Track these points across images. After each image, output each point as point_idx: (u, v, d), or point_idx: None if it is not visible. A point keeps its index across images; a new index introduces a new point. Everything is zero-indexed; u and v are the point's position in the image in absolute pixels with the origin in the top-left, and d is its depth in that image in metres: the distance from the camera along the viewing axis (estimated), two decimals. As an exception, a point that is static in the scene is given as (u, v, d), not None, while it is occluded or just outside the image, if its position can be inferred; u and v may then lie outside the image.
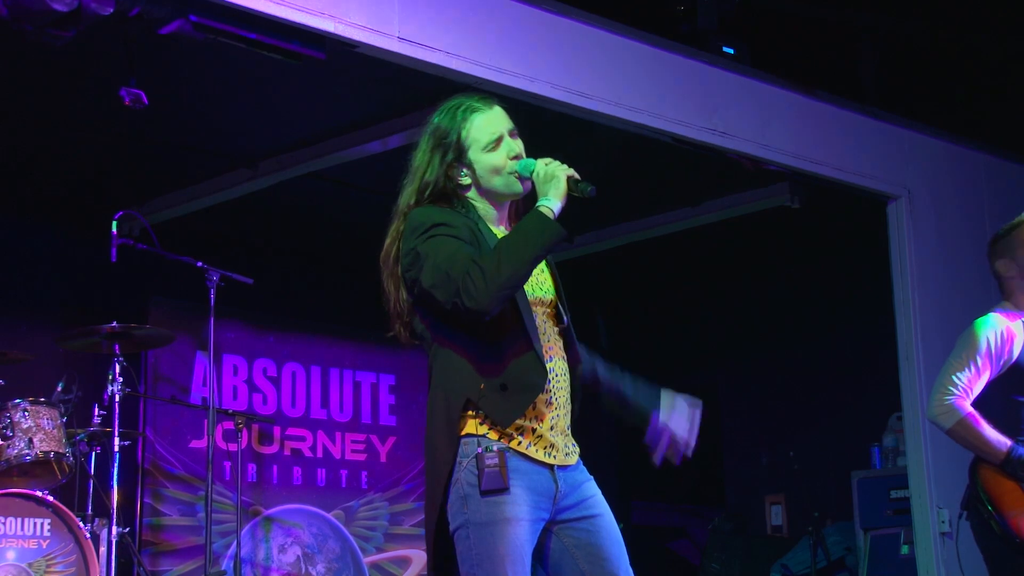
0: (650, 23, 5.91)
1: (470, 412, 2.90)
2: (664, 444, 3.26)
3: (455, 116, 3.10)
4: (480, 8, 5.25)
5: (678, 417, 3.27)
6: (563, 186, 2.98)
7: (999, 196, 7.09)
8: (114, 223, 5.87)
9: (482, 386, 2.90)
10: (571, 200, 3.02)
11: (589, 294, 8.75)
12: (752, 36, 6.36)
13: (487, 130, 3.08)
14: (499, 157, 3.08)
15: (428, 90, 5.23)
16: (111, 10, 4.30)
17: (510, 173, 3.08)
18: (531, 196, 3.05)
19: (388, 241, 3.07)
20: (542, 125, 5.61)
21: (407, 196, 3.09)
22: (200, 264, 6.15)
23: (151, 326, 6.56)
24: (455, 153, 3.07)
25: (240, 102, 6.08)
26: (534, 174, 3.03)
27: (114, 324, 5.80)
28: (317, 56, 4.83)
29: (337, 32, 4.72)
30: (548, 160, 3.04)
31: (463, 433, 2.89)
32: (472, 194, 3.10)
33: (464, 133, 3.07)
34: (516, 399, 2.92)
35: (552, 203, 2.95)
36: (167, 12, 4.49)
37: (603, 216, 7.86)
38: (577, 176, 3.02)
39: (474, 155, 3.07)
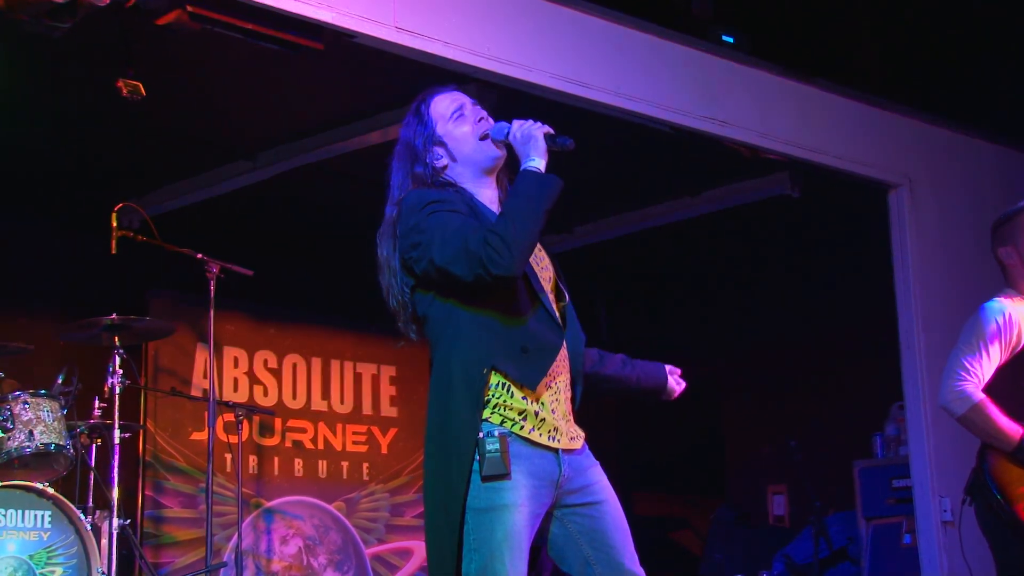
0: (649, 11, 5.89)
1: (493, 377, 2.88)
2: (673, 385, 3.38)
3: (416, 109, 3.14)
4: (478, -3, 5.24)
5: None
6: (542, 144, 2.99)
7: (1001, 184, 7.06)
8: (114, 215, 5.86)
9: (503, 355, 2.89)
10: (564, 178, 3.01)
11: (589, 285, 8.74)
12: (751, 24, 6.34)
13: (446, 104, 3.13)
14: (466, 124, 3.10)
15: (427, 80, 5.25)
16: (108, 0, 4.29)
17: (482, 139, 3.09)
18: (516, 168, 3.04)
19: (385, 241, 3.06)
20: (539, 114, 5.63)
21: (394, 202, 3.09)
22: (200, 256, 6.14)
23: (151, 318, 6.56)
24: (426, 138, 3.09)
25: (238, 93, 6.07)
26: (509, 136, 3.03)
27: (114, 316, 5.80)
28: (315, 46, 4.82)
29: (335, 22, 4.71)
30: (522, 121, 3.04)
31: (484, 404, 2.87)
32: (455, 174, 3.10)
33: (428, 117, 3.10)
34: (538, 359, 2.93)
35: (537, 162, 2.97)
36: (164, 2, 4.48)
37: (602, 207, 7.85)
38: (552, 131, 3.02)
39: (442, 130, 3.10)
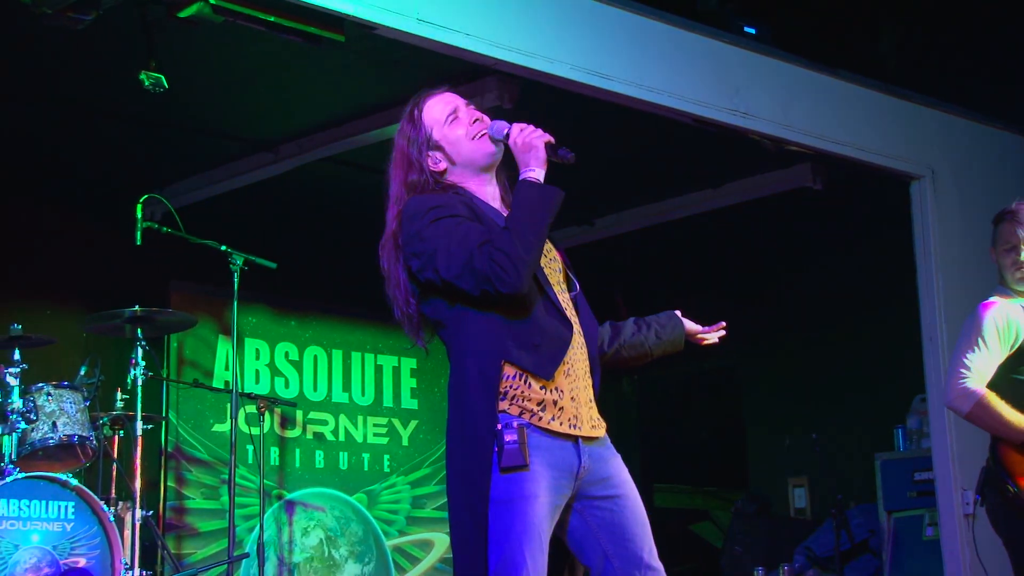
0: (671, 3, 5.87)
1: (508, 374, 2.88)
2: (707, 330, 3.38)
3: (411, 115, 3.13)
4: (499, -11, 5.23)
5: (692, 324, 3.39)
6: (542, 154, 2.99)
7: (1024, 175, 7.04)
8: (138, 206, 5.87)
9: (515, 347, 2.89)
10: (569, 177, 2.99)
11: (610, 276, 8.73)
12: (773, 15, 6.31)
13: (440, 107, 3.12)
14: (461, 126, 3.10)
15: (448, 72, 5.26)
16: (130, -7, 4.31)
17: (477, 138, 3.08)
18: (514, 165, 3.04)
19: (387, 252, 3.06)
20: (561, 106, 5.62)
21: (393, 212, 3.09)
22: (223, 248, 6.15)
23: (173, 310, 6.57)
24: (422, 143, 3.09)
25: (260, 85, 6.08)
26: (509, 140, 3.03)
27: (136, 308, 5.81)
28: (336, 39, 4.82)
29: (356, 14, 4.71)
30: (523, 126, 3.03)
31: (501, 395, 2.87)
32: (455, 175, 3.10)
33: (423, 121, 3.10)
34: (550, 351, 2.93)
35: (536, 172, 2.97)
36: (186, -6, 4.49)
37: (624, 198, 7.84)
38: (553, 141, 3.01)
39: (438, 134, 3.09)
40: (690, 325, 3.37)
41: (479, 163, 3.10)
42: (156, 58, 4.97)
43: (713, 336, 3.39)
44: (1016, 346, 4.29)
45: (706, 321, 3.44)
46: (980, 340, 4.27)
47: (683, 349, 3.38)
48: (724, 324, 3.40)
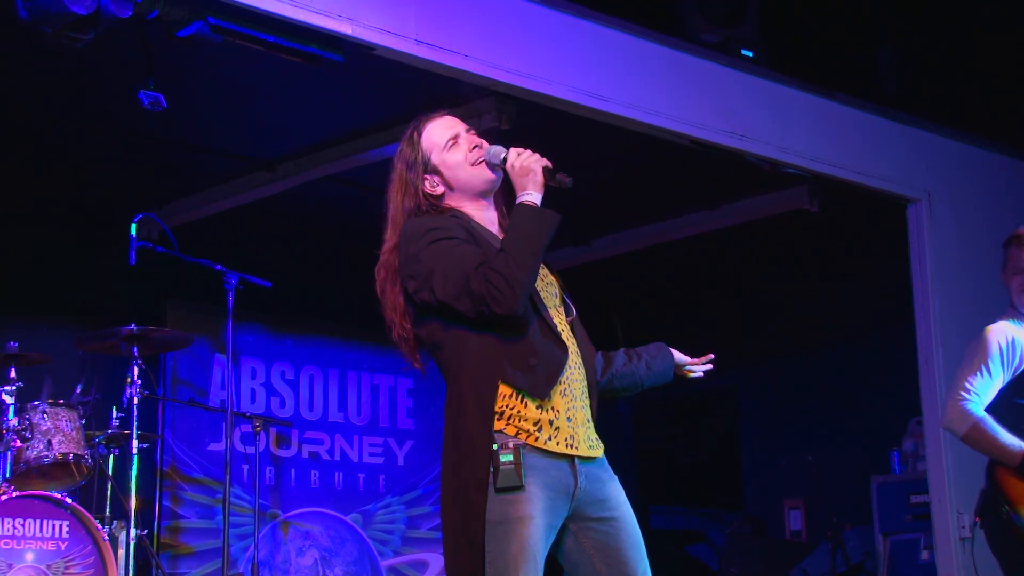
0: (668, 25, 5.89)
1: (504, 394, 2.88)
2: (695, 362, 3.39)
3: (411, 138, 3.15)
4: (498, 10, 5.25)
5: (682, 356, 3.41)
6: (540, 178, 3.00)
7: (1020, 199, 7.04)
8: (133, 226, 5.87)
9: (510, 367, 2.89)
10: (567, 198, 2.99)
11: (607, 298, 8.73)
12: (770, 38, 6.33)
13: (440, 132, 3.14)
14: (460, 152, 3.11)
15: (446, 92, 5.28)
16: (129, 13, 4.31)
17: (475, 164, 3.10)
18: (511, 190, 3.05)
19: (384, 275, 3.08)
20: (559, 127, 5.64)
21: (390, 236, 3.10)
22: (218, 267, 6.15)
23: (169, 329, 6.58)
24: (421, 167, 3.10)
25: (258, 105, 6.09)
26: (507, 165, 3.04)
27: (132, 327, 5.81)
28: (335, 59, 4.84)
29: (355, 35, 4.72)
30: (520, 150, 3.05)
31: (498, 415, 2.87)
32: (453, 200, 3.12)
33: (423, 144, 3.12)
34: (545, 372, 2.93)
35: (533, 196, 2.99)
36: (185, 15, 4.50)
37: (621, 219, 7.85)
38: (551, 165, 3.03)
39: (437, 158, 3.11)
40: (679, 356, 3.38)
41: (477, 189, 3.12)
42: (155, 77, 4.98)
43: (699, 369, 3.40)
44: (1020, 371, 4.28)
45: (701, 343, 3.44)
46: (983, 364, 4.27)
47: (672, 381, 3.39)
48: (712, 356, 3.41)
